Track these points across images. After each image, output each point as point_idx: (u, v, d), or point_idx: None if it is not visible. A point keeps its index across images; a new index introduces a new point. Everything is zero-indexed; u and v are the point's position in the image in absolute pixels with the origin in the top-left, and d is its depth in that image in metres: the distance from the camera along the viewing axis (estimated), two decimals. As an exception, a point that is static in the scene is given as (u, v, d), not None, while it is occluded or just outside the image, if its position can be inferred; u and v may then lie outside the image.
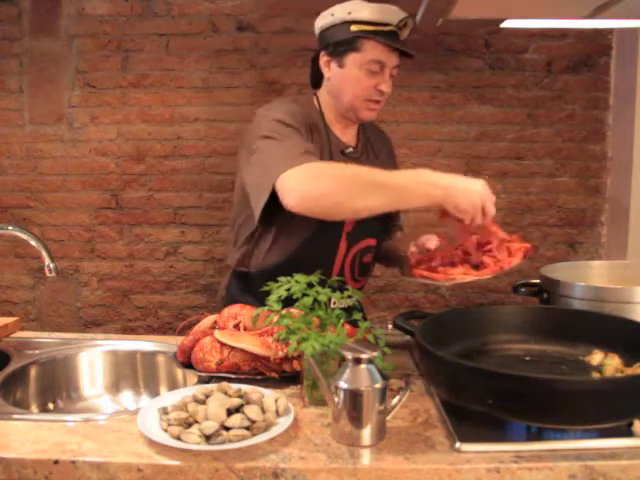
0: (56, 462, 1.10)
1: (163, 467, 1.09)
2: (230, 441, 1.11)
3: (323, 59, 1.77)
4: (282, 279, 1.41)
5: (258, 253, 1.81)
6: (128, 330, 3.09)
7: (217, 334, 1.45)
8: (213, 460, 1.09)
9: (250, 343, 1.41)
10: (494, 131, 2.98)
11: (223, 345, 1.43)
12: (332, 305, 1.68)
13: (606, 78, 2.93)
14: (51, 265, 1.63)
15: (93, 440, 1.16)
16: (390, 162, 1.98)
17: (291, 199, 1.51)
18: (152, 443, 1.13)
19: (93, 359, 1.67)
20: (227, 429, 1.13)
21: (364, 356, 1.15)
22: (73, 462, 1.10)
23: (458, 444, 1.12)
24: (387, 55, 1.71)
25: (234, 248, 1.89)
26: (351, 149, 1.82)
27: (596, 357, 1.35)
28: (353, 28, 1.69)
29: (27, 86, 2.98)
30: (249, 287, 1.82)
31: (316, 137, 1.75)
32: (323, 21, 1.76)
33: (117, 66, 2.97)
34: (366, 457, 1.12)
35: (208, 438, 1.11)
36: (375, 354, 1.16)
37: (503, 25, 1.74)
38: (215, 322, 1.58)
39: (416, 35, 2.86)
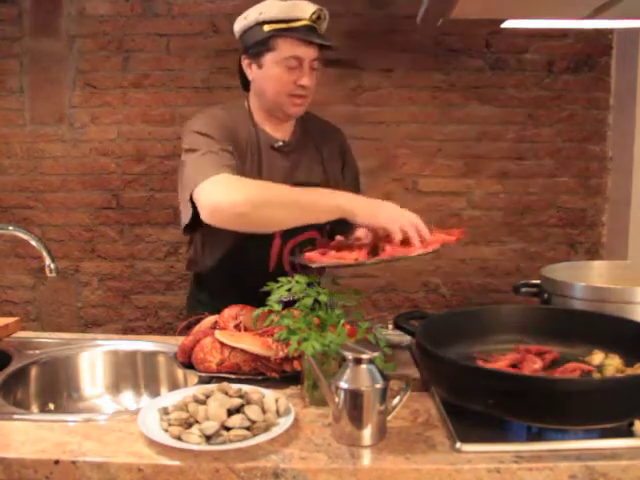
0: (56, 462, 1.10)
1: (163, 467, 1.09)
2: (230, 441, 1.11)
3: (245, 62, 1.81)
4: (282, 279, 1.41)
5: (201, 254, 1.90)
6: (129, 330, 3.09)
7: (218, 334, 1.45)
8: (213, 460, 1.09)
9: (250, 343, 1.41)
10: (494, 131, 2.98)
11: (224, 345, 1.43)
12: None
13: (606, 78, 2.93)
14: (52, 265, 1.63)
15: (93, 440, 1.16)
16: (337, 158, 1.98)
17: (203, 213, 1.57)
18: (152, 443, 1.13)
19: (93, 359, 1.67)
20: (227, 429, 1.13)
21: (364, 356, 1.15)
22: (73, 462, 1.10)
23: (458, 444, 1.12)
24: (302, 50, 1.72)
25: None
26: (281, 143, 1.85)
27: (596, 357, 1.35)
28: (266, 28, 1.72)
29: (28, 86, 2.98)
30: (203, 286, 1.95)
31: (241, 137, 1.78)
32: (239, 25, 1.80)
33: (118, 66, 2.97)
34: (366, 457, 1.12)
35: (208, 438, 1.11)
36: (375, 354, 1.16)
37: (504, 25, 1.74)
38: (216, 322, 1.58)
39: (416, 35, 2.88)
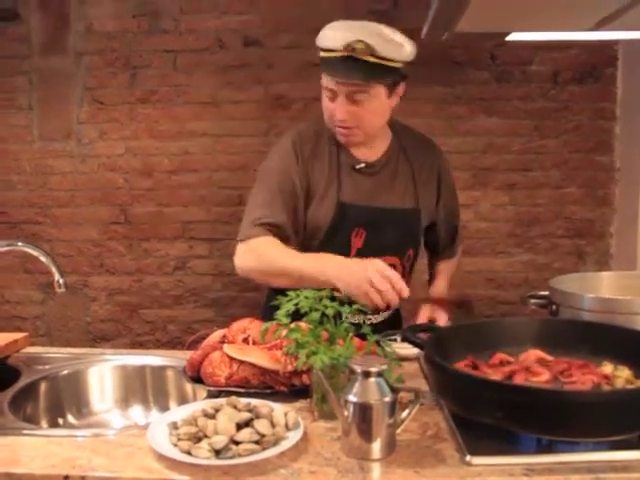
0: (66, 477, 1.10)
1: (173, 482, 1.09)
2: (240, 455, 1.11)
3: None
4: (291, 293, 1.41)
5: None
6: (137, 345, 3.10)
7: (226, 348, 1.45)
8: (223, 475, 1.08)
9: (259, 357, 1.41)
10: (501, 143, 2.98)
11: (232, 359, 1.43)
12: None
13: (612, 89, 2.94)
14: (60, 280, 1.63)
15: (103, 455, 1.16)
16: (432, 182, 1.91)
17: (235, 267, 1.78)
18: (162, 458, 1.13)
19: (102, 374, 1.67)
20: (237, 443, 1.13)
21: (373, 369, 1.15)
22: (83, 477, 1.10)
23: (468, 457, 1.12)
24: (332, 83, 1.68)
25: None
26: (363, 165, 1.80)
27: (606, 369, 1.34)
28: (320, 54, 1.71)
29: (36, 103, 3.01)
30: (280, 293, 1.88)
31: (323, 155, 1.78)
32: None
33: (125, 82, 3.00)
34: (376, 471, 1.11)
35: (218, 453, 1.11)
36: (384, 367, 1.16)
37: (508, 38, 1.75)
38: (224, 336, 1.58)
39: (422, 48, 2.89)
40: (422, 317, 1.79)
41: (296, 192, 1.76)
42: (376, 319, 1.83)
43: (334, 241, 1.76)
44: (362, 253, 1.75)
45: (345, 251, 1.75)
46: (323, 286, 1.49)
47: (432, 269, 2.06)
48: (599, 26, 1.41)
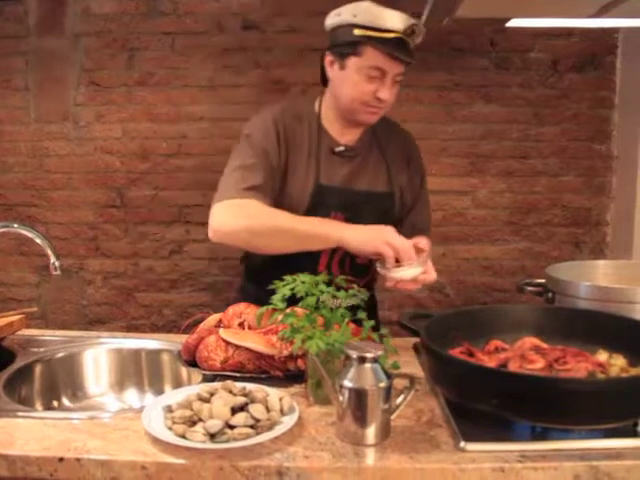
0: (61, 460, 1.10)
1: (167, 465, 1.09)
2: (235, 440, 1.11)
3: (327, 59, 1.77)
4: (287, 278, 1.41)
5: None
6: (133, 328, 3.10)
7: (222, 333, 1.45)
8: (217, 458, 1.09)
9: (255, 342, 1.41)
10: (499, 130, 2.97)
11: (228, 344, 1.43)
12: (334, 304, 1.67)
13: (612, 77, 2.92)
14: (56, 263, 1.63)
15: (98, 438, 1.16)
16: (404, 166, 1.92)
17: (209, 231, 1.72)
18: (157, 441, 1.13)
19: (98, 357, 1.67)
20: (232, 427, 1.13)
21: (369, 355, 1.15)
22: (78, 460, 1.10)
23: (463, 443, 1.12)
24: (388, 63, 1.67)
25: None
26: (342, 148, 1.81)
27: (601, 357, 1.35)
28: (356, 32, 1.67)
29: (33, 84, 2.98)
30: (253, 279, 1.94)
31: (302, 136, 1.80)
32: (330, 20, 1.75)
33: (122, 64, 2.97)
34: (370, 456, 1.12)
35: (213, 436, 1.12)
36: (380, 353, 1.16)
37: (509, 24, 1.74)
38: (220, 320, 1.59)
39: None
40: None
41: (273, 168, 1.76)
42: (348, 303, 1.79)
43: None
44: None
45: None
46: (326, 245, 1.63)
47: None
48: (601, 13, 1.40)
